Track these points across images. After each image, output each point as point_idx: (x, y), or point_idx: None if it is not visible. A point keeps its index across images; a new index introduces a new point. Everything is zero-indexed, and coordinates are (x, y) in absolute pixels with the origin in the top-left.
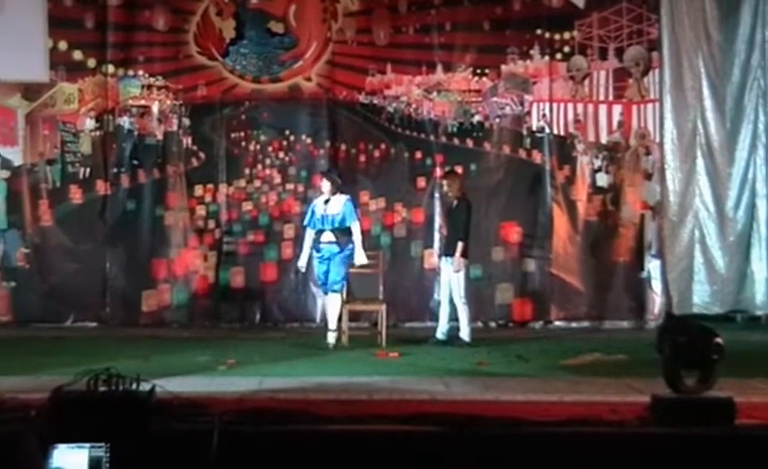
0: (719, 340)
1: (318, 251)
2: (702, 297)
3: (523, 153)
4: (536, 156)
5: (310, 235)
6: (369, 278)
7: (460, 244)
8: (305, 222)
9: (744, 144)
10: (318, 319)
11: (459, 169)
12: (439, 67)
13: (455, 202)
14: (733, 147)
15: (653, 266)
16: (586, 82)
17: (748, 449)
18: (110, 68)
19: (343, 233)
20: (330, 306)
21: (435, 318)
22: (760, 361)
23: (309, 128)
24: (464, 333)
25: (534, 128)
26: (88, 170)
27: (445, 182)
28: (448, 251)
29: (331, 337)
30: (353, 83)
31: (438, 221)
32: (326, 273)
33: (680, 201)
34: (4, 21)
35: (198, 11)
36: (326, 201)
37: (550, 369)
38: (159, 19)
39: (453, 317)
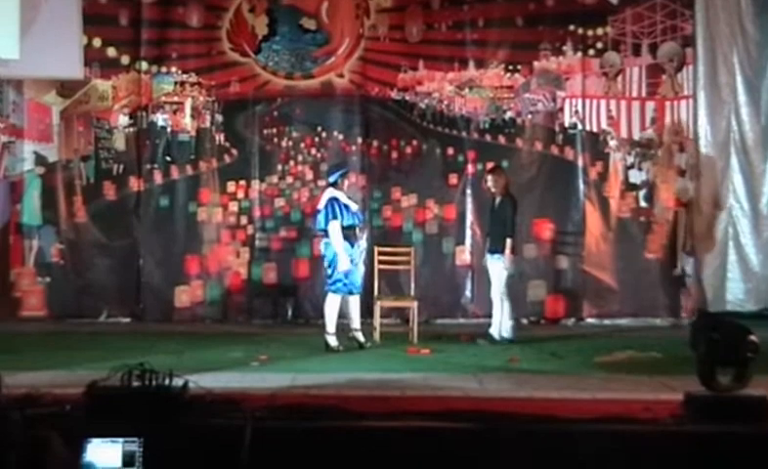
0: (754, 338)
1: (352, 247)
2: (735, 294)
3: (555, 150)
4: (569, 153)
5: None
6: (401, 275)
7: (509, 241)
8: (336, 216)
9: None
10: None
11: (492, 166)
12: (471, 64)
13: (499, 199)
14: (767, 143)
15: (687, 263)
16: (619, 78)
17: None
18: (144, 65)
19: None
20: (357, 306)
21: (466, 314)
22: None
23: (341, 124)
24: (494, 330)
25: (567, 124)
26: (122, 166)
27: (490, 177)
28: (493, 248)
29: (361, 335)
30: (385, 79)
31: (470, 218)
32: (350, 272)
33: (714, 198)
34: (39, 18)
35: (231, 7)
36: (349, 198)
37: (583, 367)
38: (193, 15)
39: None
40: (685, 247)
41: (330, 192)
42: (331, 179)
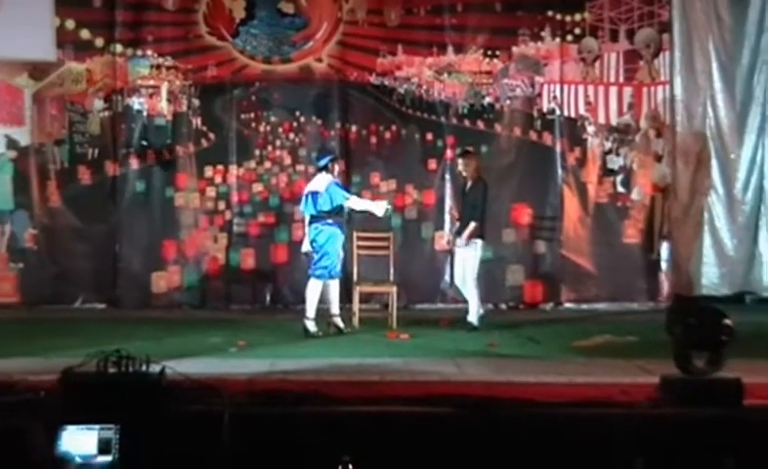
0: (728, 322)
1: (342, 231)
2: (710, 279)
3: (534, 135)
4: (547, 138)
5: None
6: (380, 260)
7: (473, 224)
8: (348, 194)
9: (753, 126)
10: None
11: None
12: (450, 49)
13: (470, 183)
14: (742, 129)
15: (663, 248)
16: (597, 64)
17: (756, 430)
18: (119, 48)
19: None
20: (336, 291)
21: (445, 299)
22: None
23: (319, 109)
24: (473, 316)
25: (545, 110)
26: (96, 151)
27: (461, 161)
28: (462, 231)
29: (340, 321)
30: (364, 64)
31: (448, 203)
32: (337, 256)
33: (690, 184)
34: None
35: None
36: None
37: (561, 351)
38: None
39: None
40: (662, 232)
41: (326, 177)
42: (321, 163)
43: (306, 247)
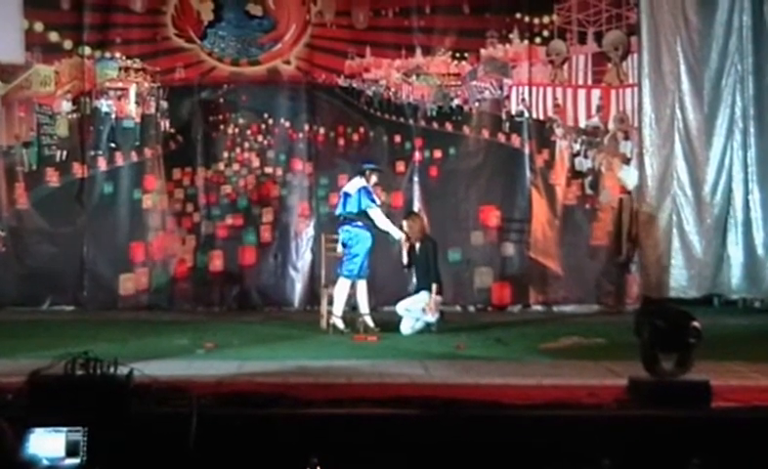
0: (696, 324)
1: (373, 235)
2: (679, 281)
3: (502, 137)
4: (516, 140)
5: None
6: None
7: (435, 286)
8: (374, 201)
9: (721, 128)
10: (296, 304)
11: (439, 153)
12: (418, 51)
13: (418, 245)
14: (710, 131)
15: (631, 250)
16: (565, 66)
17: (724, 432)
18: (87, 50)
19: None
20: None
21: None
22: (737, 344)
23: (288, 111)
24: (429, 319)
25: (514, 112)
26: (65, 153)
27: (405, 223)
28: (419, 288)
29: (370, 319)
30: (332, 66)
31: (417, 205)
32: (366, 258)
33: (658, 186)
34: None
35: None
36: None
37: (529, 353)
38: (136, 0)
39: None
40: (630, 234)
41: (360, 181)
42: (363, 167)
43: (339, 248)
